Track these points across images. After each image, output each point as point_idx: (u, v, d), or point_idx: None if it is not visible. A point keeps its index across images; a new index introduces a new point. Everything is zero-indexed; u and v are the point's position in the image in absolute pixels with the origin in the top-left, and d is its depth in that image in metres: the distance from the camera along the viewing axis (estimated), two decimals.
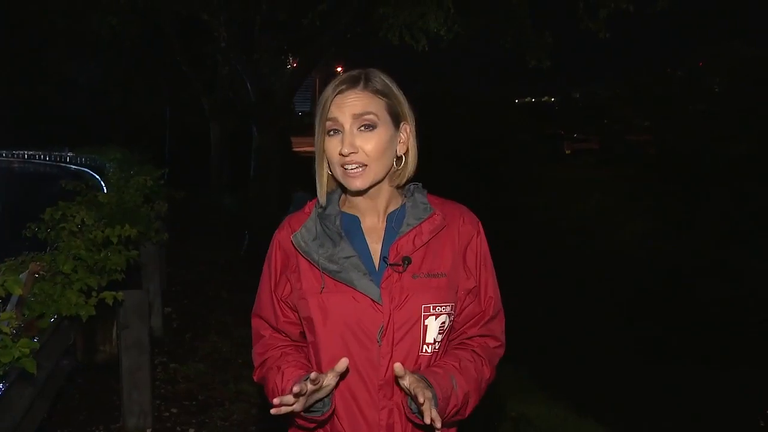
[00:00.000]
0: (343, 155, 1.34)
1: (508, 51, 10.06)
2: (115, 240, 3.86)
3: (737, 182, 15.78)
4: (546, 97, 58.32)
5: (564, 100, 50.41)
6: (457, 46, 9.58)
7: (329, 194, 1.46)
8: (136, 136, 22.47)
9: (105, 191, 7.32)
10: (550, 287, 11.25)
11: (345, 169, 1.36)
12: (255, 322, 1.55)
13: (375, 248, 1.42)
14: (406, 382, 1.25)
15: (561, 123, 38.56)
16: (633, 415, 6.35)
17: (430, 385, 1.28)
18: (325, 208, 1.44)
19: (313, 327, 1.40)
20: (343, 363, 1.25)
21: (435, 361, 1.40)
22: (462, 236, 1.44)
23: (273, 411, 1.23)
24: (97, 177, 17.14)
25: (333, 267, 1.37)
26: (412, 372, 1.30)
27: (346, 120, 1.35)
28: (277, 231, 1.50)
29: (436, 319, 1.37)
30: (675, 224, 15.62)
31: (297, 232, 1.42)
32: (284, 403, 1.22)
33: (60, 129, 36.73)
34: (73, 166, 34.15)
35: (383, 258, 1.40)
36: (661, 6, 8.79)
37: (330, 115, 1.36)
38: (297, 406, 1.23)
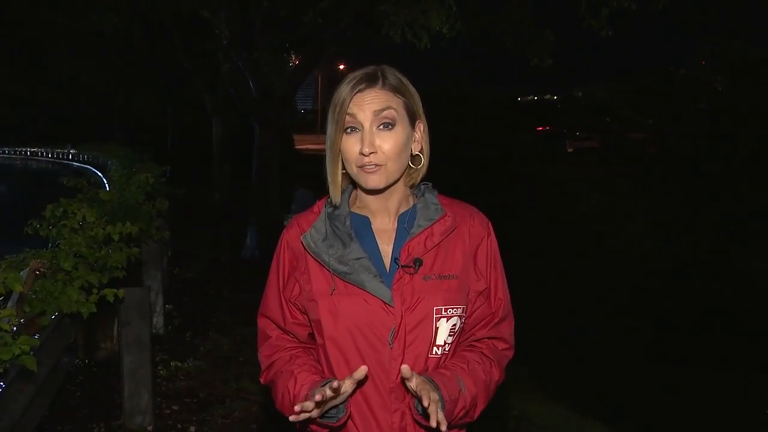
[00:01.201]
0: (363, 155, 1.32)
1: (510, 49, 10.06)
2: (116, 237, 3.87)
3: (738, 182, 15.75)
4: (548, 96, 58.31)
5: (566, 99, 50.42)
6: (458, 44, 9.58)
7: (342, 193, 1.44)
8: (138, 134, 22.48)
9: (107, 188, 7.32)
10: (550, 287, 11.24)
11: (362, 167, 1.34)
12: (262, 322, 1.53)
13: (386, 249, 1.41)
14: (412, 384, 1.24)
15: (563, 121, 38.59)
16: (633, 415, 6.35)
17: (437, 387, 1.27)
18: (335, 208, 1.42)
19: (323, 329, 1.38)
20: (362, 371, 1.24)
21: (443, 363, 1.39)
22: (473, 237, 1.43)
23: (292, 418, 1.23)
24: (99, 174, 17.14)
25: (343, 268, 1.36)
26: (419, 374, 1.29)
27: (366, 118, 1.33)
28: (285, 230, 1.48)
29: (447, 321, 1.36)
30: (676, 224, 15.60)
31: (307, 233, 1.41)
32: (305, 410, 1.22)
33: (62, 128, 36.76)
34: (75, 164, 34.18)
35: (394, 259, 1.39)
36: (662, 3, 8.77)
37: (350, 111, 1.33)
38: (315, 413, 1.23)
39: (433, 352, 1.37)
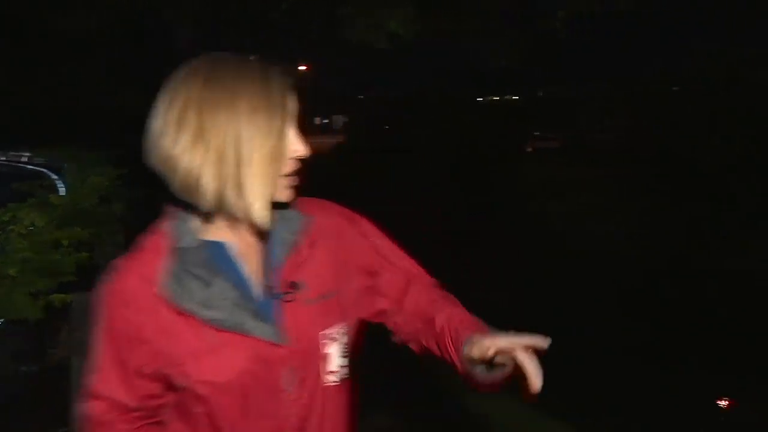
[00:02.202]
0: (303, 160, 1.09)
1: (477, 50, 10.07)
2: (65, 242, 3.81)
3: (735, 181, 15.71)
4: (508, 96, 58.57)
5: (528, 99, 50.78)
6: (423, 45, 9.55)
7: (178, 221, 1.10)
8: (136, 135, 22.04)
9: (63, 192, 7.17)
10: (547, 287, 11.16)
11: (289, 177, 1.09)
12: (93, 407, 1.15)
13: (253, 277, 1.12)
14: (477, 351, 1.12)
15: (524, 121, 38.91)
16: (631, 415, 6.31)
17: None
18: (176, 239, 1.09)
19: (204, 395, 1.07)
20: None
21: (343, 389, 1.19)
22: (334, 235, 1.20)
23: None
24: (55, 177, 16.76)
25: (213, 314, 1.05)
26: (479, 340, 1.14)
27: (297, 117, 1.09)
28: (113, 281, 1.09)
29: (336, 343, 1.16)
30: (672, 224, 15.52)
31: (154, 279, 1.06)
32: None
33: (60, 128, 35.80)
34: (30, 167, 33.38)
35: (268, 288, 1.12)
36: (624, 6, 8.80)
37: (292, 111, 1.08)
38: None
39: (328, 381, 1.15)
